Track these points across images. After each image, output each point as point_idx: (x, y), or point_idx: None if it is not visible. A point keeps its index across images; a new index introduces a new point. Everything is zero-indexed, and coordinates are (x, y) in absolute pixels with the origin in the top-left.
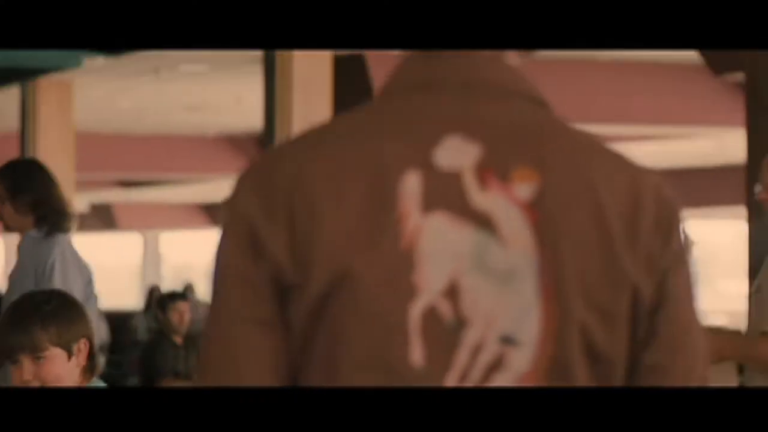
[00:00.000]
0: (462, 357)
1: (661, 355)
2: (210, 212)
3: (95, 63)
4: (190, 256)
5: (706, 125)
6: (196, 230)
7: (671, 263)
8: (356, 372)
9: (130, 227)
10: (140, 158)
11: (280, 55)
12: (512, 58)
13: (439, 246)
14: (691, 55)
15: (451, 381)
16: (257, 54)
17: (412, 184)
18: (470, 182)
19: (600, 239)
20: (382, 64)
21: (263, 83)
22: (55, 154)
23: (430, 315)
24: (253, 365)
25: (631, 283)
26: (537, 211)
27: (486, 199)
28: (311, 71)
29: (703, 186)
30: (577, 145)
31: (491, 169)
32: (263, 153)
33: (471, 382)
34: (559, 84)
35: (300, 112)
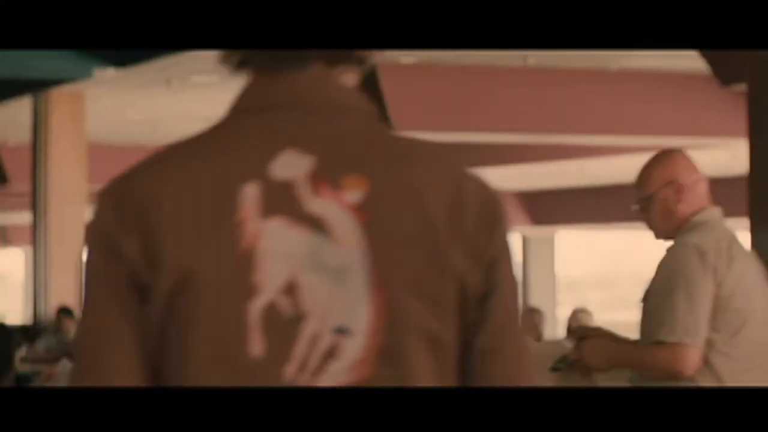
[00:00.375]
0: (300, 348)
1: (491, 339)
2: None
3: (106, 74)
4: None
5: (717, 136)
6: None
7: (496, 255)
8: (202, 365)
9: None
10: None
11: None
12: (346, 76)
13: (277, 248)
14: (698, 65)
15: (290, 370)
16: None
17: (250, 193)
18: (304, 190)
19: (425, 235)
20: (392, 72)
21: None
22: (67, 165)
23: (271, 311)
24: (115, 350)
25: (457, 274)
26: (365, 213)
27: (319, 204)
28: None
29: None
30: (404, 152)
31: (323, 178)
32: (121, 173)
33: (309, 371)
34: (570, 94)
35: None
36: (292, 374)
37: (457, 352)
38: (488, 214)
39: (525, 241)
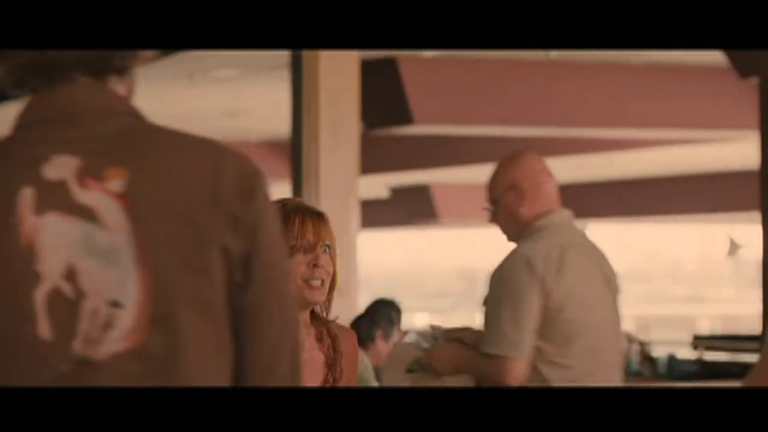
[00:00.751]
0: (83, 324)
1: (257, 295)
2: None
3: None
4: None
5: (735, 129)
6: None
7: (256, 220)
8: (2, 349)
9: None
10: None
11: (307, 58)
12: (114, 85)
13: (54, 239)
14: (719, 59)
15: (77, 345)
16: (285, 58)
17: (26, 195)
18: (73, 186)
19: (186, 213)
20: (412, 65)
21: (290, 87)
22: None
23: (54, 295)
24: None
25: (220, 242)
26: (128, 199)
27: (87, 196)
28: (338, 74)
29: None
30: (164, 143)
31: (89, 173)
32: None
33: (92, 343)
34: (594, 87)
35: (327, 115)
36: (79, 348)
37: (228, 314)
38: (246, 185)
39: None
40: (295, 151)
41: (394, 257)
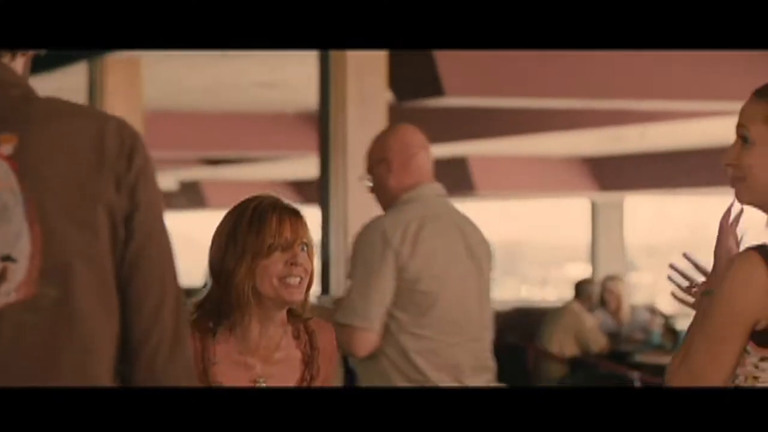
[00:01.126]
0: None
1: (138, 246)
2: (300, 189)
3: None
4: None
5: None
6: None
7: (136, 180)
8: None
9: (219, 205)
10: (222, 136)
11: None
12: (8, 60)
13: None
14: None
15: None
16: None
17: None
18: None
19: (73, 173)
20: None
21: (318, 61)
22: None
23: None
24: None
25: (105, 200)
26: (18, 161)
27: None
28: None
29: None
30: (54, 111)
31: None
32: None
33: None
34: (625, 58)
35: (354, 87)
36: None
37: (114, 267)
38: (127, 147)
39: (594, 207)
40: (322, 124)
41: None
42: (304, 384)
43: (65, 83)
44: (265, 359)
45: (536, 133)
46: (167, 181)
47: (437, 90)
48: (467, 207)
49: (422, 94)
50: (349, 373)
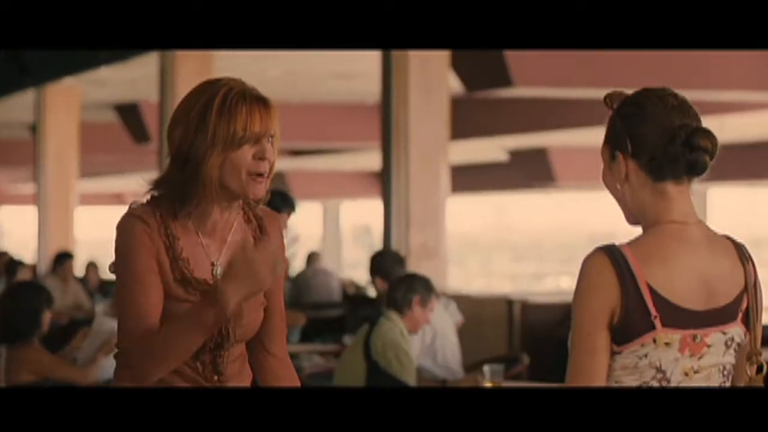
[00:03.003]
0: None
1: None
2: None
3: None
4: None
5: None
6: (371, 198)
7: None
8: None
9: (304, 195)
10: (303, 127)
11: None
12: None
13: None
14: None
15: None
16: None
17: None
18: None
19: None
20: None
21: (381, 52)
22: None
23: None
24: None
25: None
26: None
27: None
28: None
29: None
30: None
31: None
32: None
33: None
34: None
35: (417, 78)
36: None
37: None
38: None
39: None
40: (384, 115)
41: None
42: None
43: (138, 74)
44: (221, 240)
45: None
46: None
47: (506, 80)
48: (548, 197)
49: (492, 85)
50: None
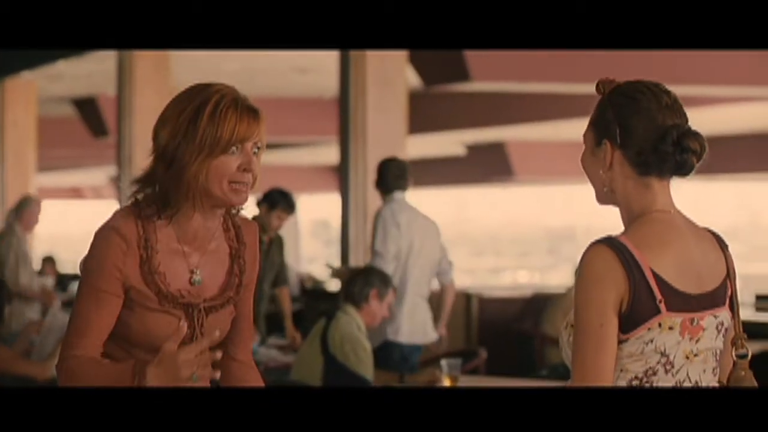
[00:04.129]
0: None
1: None
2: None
3: None
4: (326, 216)
5: None
6: (329, 192)
7: None
8: None
9: (263, 190)
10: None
11: None
12: None
13: None
14: None
15: None
16: None
17: None
18: None
19: None
20: None
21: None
22: (153, 117)
23: None
24: None
25: None
26: None
27: None
28: None
29: None
30: None
31: None
32: None
33: None
34: None
35: (374, 72)
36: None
37: None
38: None
39: None
40: (342, 109)
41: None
42: (233, 278)
43: (95, 68)
44: (200, 249)
45: (571, 118)
46: None
47: (464, 75)
48: (506, 192)
49: (450, 79)
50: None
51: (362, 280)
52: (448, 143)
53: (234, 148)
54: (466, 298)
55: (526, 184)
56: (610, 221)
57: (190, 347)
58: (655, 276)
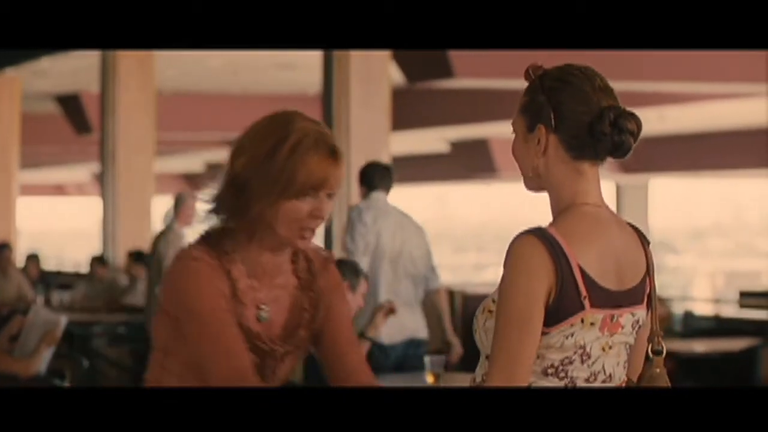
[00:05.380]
0: None
1: None
2: None
3: None
4: None
5: None
6: None
7: None
8: None
9: None
10: (244, 117)
11: None
12: None
13: None
14: None
15: None
16: None
17: None
18: None
19: None
20: None
21: None
22: (136, 114)
23: None
24: None
25: None
26: None
27: None
28: None
29: None
30: None
31: None
32: None
33: None
34: None
35: (358, 69)
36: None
37: None
38: None
39: (618, 189)
40: (326, 105)
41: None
42: (303, 313)
43: (79, 64)
44: (269, 285)
45: None
46: (193, 162)
47: (447, 72)
48: (489, 189)
49: (433, 76)
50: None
51: None
52: (432, 140)
53: (307, 197)
54: (449, 294)
55: (509, 181)
56: None
57: None
58: (582, 271)
